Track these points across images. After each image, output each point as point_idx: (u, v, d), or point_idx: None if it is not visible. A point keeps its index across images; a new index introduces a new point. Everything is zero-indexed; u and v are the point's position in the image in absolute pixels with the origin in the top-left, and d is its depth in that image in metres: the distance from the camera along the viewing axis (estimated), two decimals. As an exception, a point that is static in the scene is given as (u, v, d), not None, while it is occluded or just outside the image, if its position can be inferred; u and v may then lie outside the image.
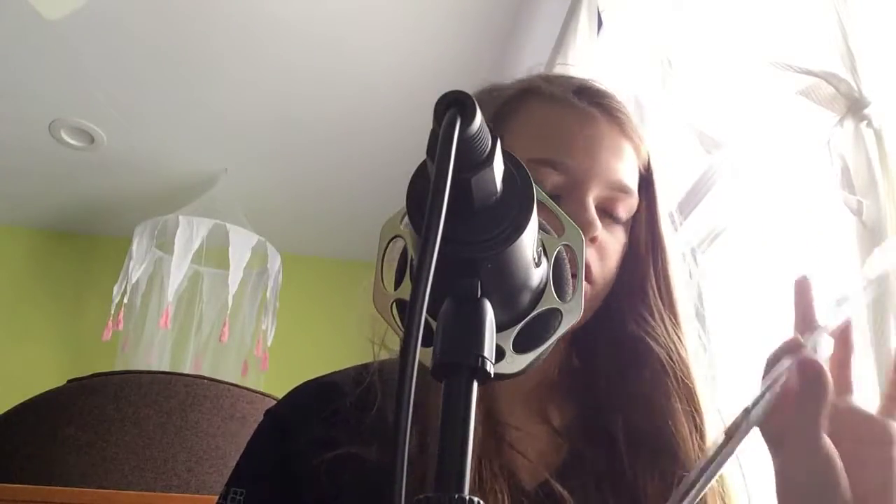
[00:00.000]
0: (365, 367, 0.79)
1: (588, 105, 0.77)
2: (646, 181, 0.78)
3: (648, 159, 0.79)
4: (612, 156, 0.75)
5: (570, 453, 0.74)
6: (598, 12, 1.74)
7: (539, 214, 0.44)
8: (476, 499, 0.35)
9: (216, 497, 0.75)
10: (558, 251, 0.48)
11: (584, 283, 0.68)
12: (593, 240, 0.72)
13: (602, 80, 0.83)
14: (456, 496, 0.35)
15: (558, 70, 1.93)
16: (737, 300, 1.37)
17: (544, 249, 0.47)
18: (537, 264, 0.45)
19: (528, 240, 0.42)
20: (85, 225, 3.26)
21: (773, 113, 1.11)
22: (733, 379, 0.98)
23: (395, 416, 0.32)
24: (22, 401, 1.94)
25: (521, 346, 0.44)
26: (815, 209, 1.07)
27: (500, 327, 0.42)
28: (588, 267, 0.72)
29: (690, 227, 1.45)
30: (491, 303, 0.41)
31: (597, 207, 0.73)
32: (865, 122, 0.92)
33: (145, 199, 2.99)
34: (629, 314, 0.76)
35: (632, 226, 0.77)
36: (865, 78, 0.92)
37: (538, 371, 0.69)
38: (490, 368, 0.39)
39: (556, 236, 0.48)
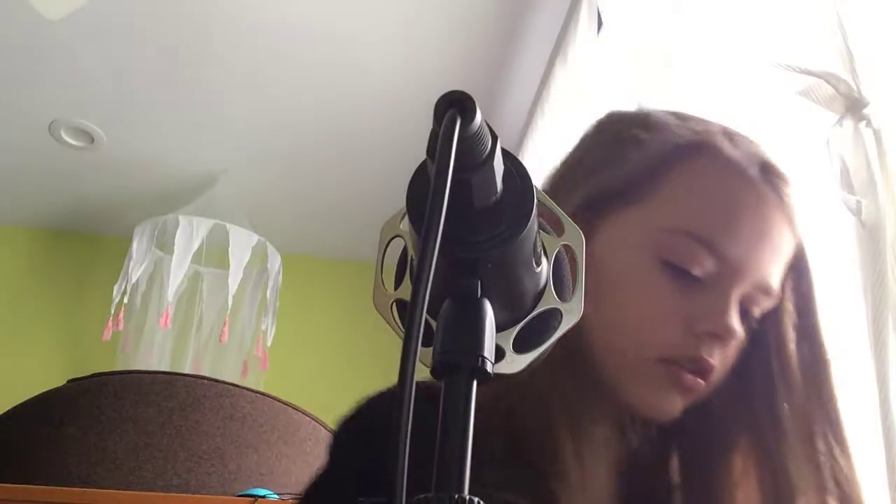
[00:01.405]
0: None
1: (768, 186, 0.67)
2: (796, 272, 0.69)
3: (802, 248, 0.69)
4: (773, 254, 0.66)
5: None
6: (598, 12, 1.74)
7: (539, 214, 0.44)
8: (476, 499, 0.35)
9: (216, 497, 0.73)
10: (558, 251, 0.48)
11: (698, 381, 0.64)
12: (725, 343, 0.65)
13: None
14: (456, 496, 0.35)
15: (561, 74, 1.93)
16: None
17: (544, 249, 0.47)
18: (537, 264, 0.45)
19: (529, 240, 0.43)
20: (85, 225, 3.26)
21: (773, 113, 1.11)
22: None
23: (396, 416, 0.32)
24: (22, 401, 1.94)
25: (521, 346, 0.45)
26: (814, 209, 1.07)
27: (500, 327, 0.42)
28: (710, 370, 0.65)
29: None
30: (491, 303, 0.41)
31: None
32: (864, 122, 0.92)
33: (145, 199, 2.99)
34: (748, 447, 0.68)
35: (762, 333, 0.68)
36: (864, 78, 0.93)
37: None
38: (490, 368, 0.39)
39: (556, 236, 0.48)
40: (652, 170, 0.67)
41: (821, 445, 0.66)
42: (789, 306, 0.69)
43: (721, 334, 0.64)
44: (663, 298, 0.65)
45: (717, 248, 0.64)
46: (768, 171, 0.68)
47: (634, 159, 0.68)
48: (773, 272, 0.66)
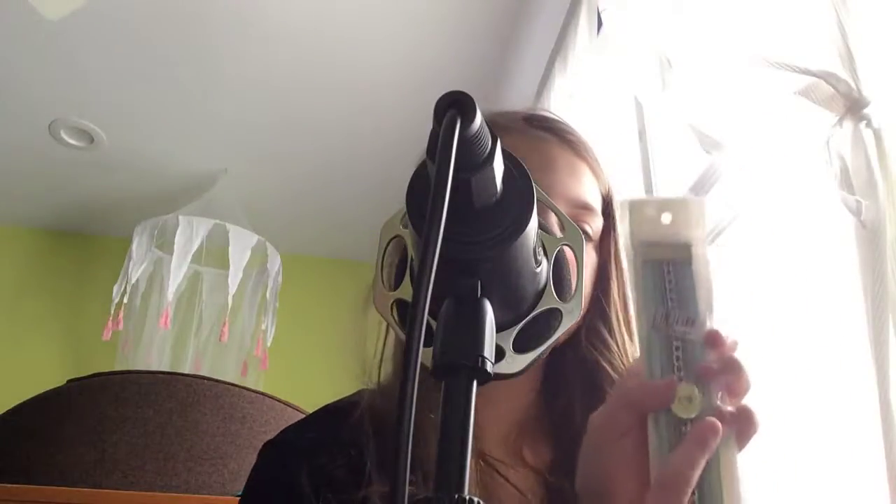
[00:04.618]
0: (354, 401, 0.76)
1: (539, 130, 0.80)
2: (607, 206, 0.81)
3: (609, 186, 0.82)
4: (569, 175, 0.77)
5: (551, 496, 0.73)
6: (598, 12, 1.74)
7: (539, 215, 0.44)
8: (476, 499, 0.35)
9: (216, 497, 0.74)
10: (558, 251, 0.48)
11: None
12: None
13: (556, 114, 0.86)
14: (456, 496, 0.35)
15: (561, 74, 1.93)
16: (736, 300, 1.37)
17: (544, 249, 0.47)
18: (537, 264, 0.45)
19: (529, 240, 0.43)
20: (85, 225, 3.26)
21: (772, 113, 1.11)
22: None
23: (398, 418, 0.32)
24: (22, 401, 1.94)
25: (520, 346, 0.45)
26: (814, 209, 1.07)
27: (500, 327, 0.42)
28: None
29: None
30: (491, 303, 0.41)
31: None
32: (864, 123, 0.91)
33: (145, 199, 2.99)
34: (591, 335, 0.78)
35: (599, 248, 0.79)
36: (864, 78, 0.92)
37: (512, 407, 0.75)
38: (490, 368, 0.39)
39: (556, 236, 0.48)
40: None
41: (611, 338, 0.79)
42: (606, 227, 0.81)
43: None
44: None
45: None
46: (532, 120, 0.81)
47: None
48: (581, 189, 0.77)
